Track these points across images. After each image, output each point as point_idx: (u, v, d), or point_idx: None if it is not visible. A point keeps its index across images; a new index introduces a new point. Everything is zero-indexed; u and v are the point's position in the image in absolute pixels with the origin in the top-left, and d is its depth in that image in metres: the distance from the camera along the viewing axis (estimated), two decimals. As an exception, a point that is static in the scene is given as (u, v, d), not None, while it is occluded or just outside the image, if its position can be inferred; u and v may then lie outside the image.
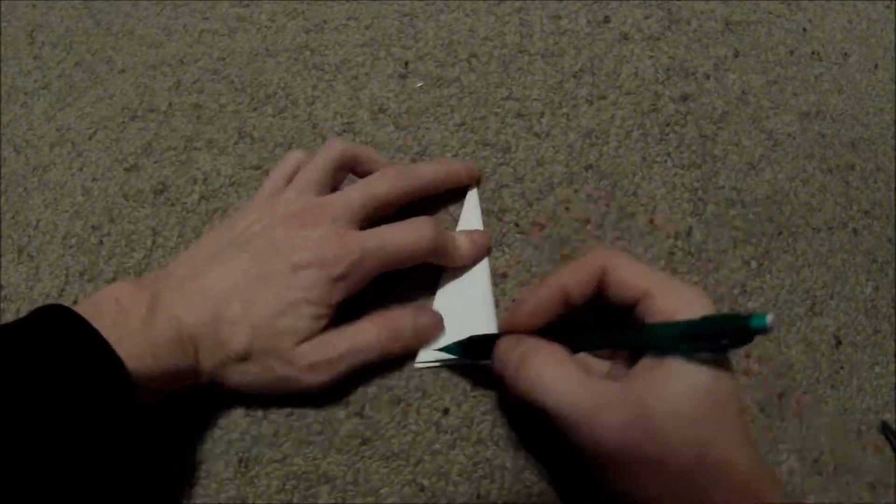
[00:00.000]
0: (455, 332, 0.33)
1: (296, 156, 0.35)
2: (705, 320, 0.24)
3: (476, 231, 0.36)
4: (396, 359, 0.33)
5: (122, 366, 0.25)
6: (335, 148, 0.34)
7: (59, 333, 0.25)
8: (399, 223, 0.32)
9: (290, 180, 0.34)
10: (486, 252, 0.36)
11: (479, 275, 0.35)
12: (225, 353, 0.29)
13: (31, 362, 0.23)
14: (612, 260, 0.27)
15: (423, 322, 0.33)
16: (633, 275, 0.27)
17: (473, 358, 0.32)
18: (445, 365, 0.33)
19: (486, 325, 0.33)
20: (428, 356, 0.33)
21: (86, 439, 0.24)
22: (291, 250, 0.30)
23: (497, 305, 0.35)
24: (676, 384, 0.24)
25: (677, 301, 0.25)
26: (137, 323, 0.27)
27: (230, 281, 0.30)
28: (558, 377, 0.26)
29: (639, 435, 0.24)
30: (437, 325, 0.33)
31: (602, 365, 0.30)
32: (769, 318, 0.21)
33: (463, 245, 0.35)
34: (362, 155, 0.35)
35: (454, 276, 0.35)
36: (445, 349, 0.32)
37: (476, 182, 0.38)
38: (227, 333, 0.29)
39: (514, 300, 0.35)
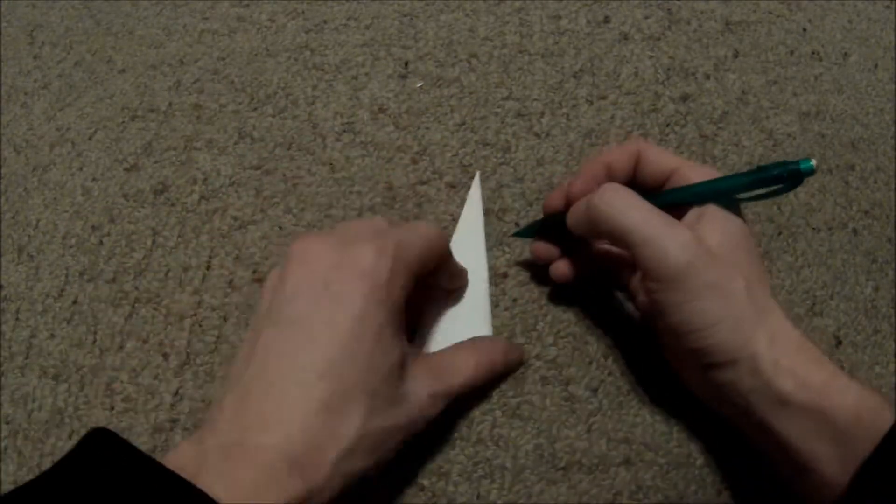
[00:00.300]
0: (451, 333, 0.33)
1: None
2: (762, 168, 0.28)
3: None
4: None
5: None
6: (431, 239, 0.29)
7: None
8: (409, 223, 0.30)
9: None
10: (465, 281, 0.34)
11: (477, 277, 0.35)
12: (341, 446, 0.23)
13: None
14: (646, 145, 0.31)
15: (513, 359, 0.33)
16: (663, 156, 0.31)
17: (545, 236, 0.35)
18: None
19: (480, 325, 0.34)
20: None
21: None
22: (321, 283, 0.25)
23: (496, 305, 0.35)
24: (724, 225, 0.28)
25: (703, 173, 0.29)
26: (214, 479, 0.21)
27: (290, 363, 0.24)
28: (630, 203, 0.28)
29: (702, 258, 0.26)
30: (521, 360, 0.34)
31: None
32: (814, 161, 0.26)
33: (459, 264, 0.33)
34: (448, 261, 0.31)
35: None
36: (520, 233, 0.36)
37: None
38: (332, 422, 0.23)
39: (514, 300, 0.35)
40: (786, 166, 0.27)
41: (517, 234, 0.37)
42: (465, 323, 0.33)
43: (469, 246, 0.36)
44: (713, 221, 0.28)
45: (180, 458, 0.22)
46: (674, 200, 0.30)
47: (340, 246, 0.26)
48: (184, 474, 0.21)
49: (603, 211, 0.28)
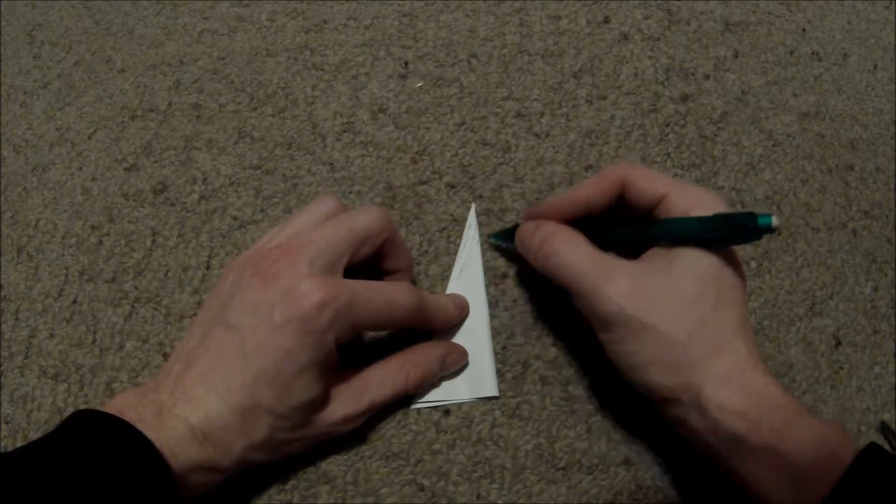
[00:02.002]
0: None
1: (325, 206, 0.31)
2: (717, 217, 0.26)
3: (455, 295, 0.35)
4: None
5: (165, 465, 0.25)
6: (328, 201, 0.31)
7: (107, 441, 0.25)
8: (385, 283, 0.30)
9: None
10: (466, 312, 0.35)
11: (475, 279, 0.35)
12: (247, 443, 0.27)
13: (85, 472, 0.23)
14: (631, 171, 0.29)
15: (450, 361, 0.33)
16: (651, 182, 0.29)
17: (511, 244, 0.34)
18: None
19: (482, 356, 0.34)
20: (446, 395, 0.33)
21: None
22: (270, 309, 0.27)
23: (496, 305, 0.35)
24: (682, 265, 0.27)
25: (692, 201, 0.28)
26: (147, 429, 0.25)
27: (225, 364, 0.27)
28: (573, 253, 0.29)
29: (638, 303, 0.26)
30: (463, 359, 0.33)
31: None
32: (774, 219, 0.24)
33: (448, 306, 0.34)
34: (399, 242, 0.32)
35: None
36: (493, 236, 0.36)
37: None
38: (243, 423, 0.27)
39: (513, 301, 0.35)
40: (745, 220, 0.25)
41: (494, 238, 0.36)
42: (465, 328, 0.34)
43: (468, 281, 0.35)
44: (676, 258, 0.27)
45: (123, 403, 0.26)
46: (635, 238, 0.29)
47: (297, 277, 0.27)
48: (125, 416, 0.25)
49: (546, 265, 0.29)
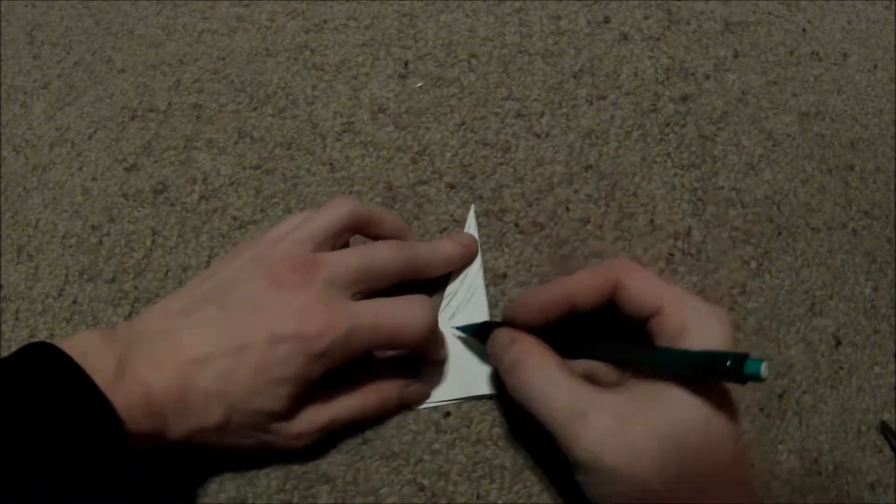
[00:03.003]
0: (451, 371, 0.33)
1: (300, 217, 0.31)
2: (703, 354, 0.24)
3: (460, 233, 0.35)
4: (396, 359, 0.33)
5: (113, 411, 0.24)
6: (344, 207, 0.31)
7: (50, 375, 0.24)
8: (395, 298, 0.29)
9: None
10: (473, 256, 0.35)
11: (474, 277, 0.35)
12: (198, 424, 0.27)
13: (21, 402, 0.23)
14: (628, 273, 0.27)
15: (409, 393, 0.32)
16: (647, 291, 0.26)
17: (482, 339, 0.31)
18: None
19: (478, 361, 0.33)
20: (439, 396, 0.33)
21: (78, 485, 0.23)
22: (273, 317, 0.27)
23: (496, 306, 0.35)
24: (667, 405, 0.24)
25: (690, 319, 0.25)
26: (102, 383, 0.24)
27: (204, 347, 0.27)
28: (545, 385, 0.26)
29: (615, 448, 0.24)
30: (422, 394, 0.32)
31: (598, 365, 0.30)
32: (763, 368, 0.21)
33: (448, 248, 0.34)
34: (374, 216, 0.32)
35: (451, 313, 0.35)
36: (460, 328, 0.33)
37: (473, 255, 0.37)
38: (200, 406, 0.26)
39: (511, 301, 0.35)
40: (733, 364, 0.22)
41: (462, 329, 0.34)
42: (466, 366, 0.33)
43: (468, 282, 0.35)
44: (660, 401, 0.24)
45: (88, 345, 0.25)
46: (615, 360, 0.28)
47: (308, 296, 0.27)
48: (83, 361, 0.24)
49: (517, 392, 0.27)
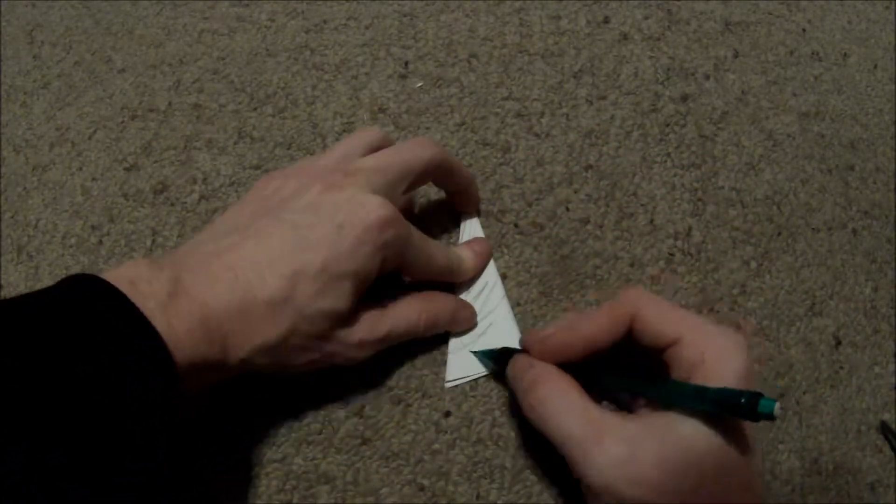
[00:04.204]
0: (480, 340, 0.34)
1: (373, 134, 0.32)
2: (718, 392, 0.23)
3: (475, 240, 0.36)
4: (396, 359, 0.33)
5: (165, 348, 0.22)
6: (372, 132, 0.32)
7: (105, 316, 0.22)
8: (433, 241, 0.32)
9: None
10: (489, 258, 0.36)
11: (493, 287, 0.35)
12: (261, 339, 0.26)
13: (69, 336, 0.21)
14: (643, 306, 0.27)
15: (462, 315, 0.33)
16: (663, 322, 0.26)
17: (501, 365, 0.32)
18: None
19: (509, 335, 0.34)
20: (457, 372, 0.33)
21: (129, 427, 0.21)
22: (334, 210, 0.27)
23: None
24: (679, 435, 0.24)
25: (705, 353, 0.25)
26: (157, 309, 0.23)
27: (265, 254, 0.26)
28: (561, 409, 0.26)
29: (628, 474, 0.24)
30: (472, 320, 0.34)
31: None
32: (776, 408, 0.22)
33: (466, 256, 0.34)
34: (454, 165, 0.33)
35: (469, 292, 0.35)
36: (477, 354, 0.33)
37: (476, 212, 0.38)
38: (263, 317, 0.26)
39: (515, 301, 0.35)
40: (747, 403, 0.22)
41: (480, 354, 0.34)
42: (494, 335, 0.34)
43: (485, 298, 0.36)
44: (676, 426, 0.24)
45: (135, 272, 0.24)
46: (630, 391, 0.28)
47: (364, 192, 0.28)
48: (132, 289, 0.23)
49: (532, 415, 0.27)
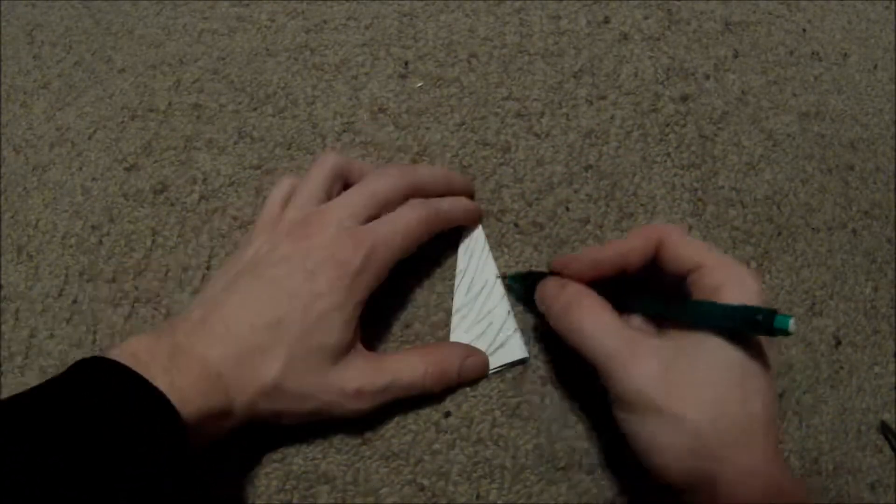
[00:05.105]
0: (480, 339, 0.34)
1: (287, 181, 0.34)
2: (737, 308, 0.25)
3: (462, 199, 0.36)
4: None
5: (168, 403, 0.24)
6: (328, 162, 0.33)
7: (111, 386, 0.24)
8: (394, 212, 0.32)
9: (285, 205, 0.33)
10: (478, 213, 0.37)
11: (493, 286, 0.35)
12: (259, 383, 0.28)
13: (90, 416, 0.23)
14: (668, 234, 0.29)
15: (470, 364, 0.33)
16: (688, 249, 0.28)
17: (528, 290, 0.32)
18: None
19: (509, 335, 0.34)
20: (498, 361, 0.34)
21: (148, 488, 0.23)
22: (304, 259, 0.29)
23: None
24: (708, 351, 0.26)
25: (725, 278, 0.27)
26: (159, 372, 0.25)
27: (251, 307, 0.29)
28: (597, 327, 0.28)
29: (663, 387, 0.26)
30: (483, 368, 0.33)
31: (639, 320, 0.31)
32: (791, 323, 0.23)
33: (456, 205, 0.35)
34: (355, 166, 0.35)
35: (469, 292, 0.35)
36: (506, 279, 0.35)
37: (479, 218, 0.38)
38: (258, 362, 0.28)
39: (515, 301, 0.35)
40: (763, 319, 0.24)
41: (511, 279, 0.35)
42: (491, 329, 0.34)
43: (477, 255, 0.36)
44: (702, 346, 0.26)
45: (136, 346, 0.26)
46: (658, 314, 0.29)
47: (329, 233, 0.30)
48: (135, 360, 0.25)
49: (568, 335, 0.28)
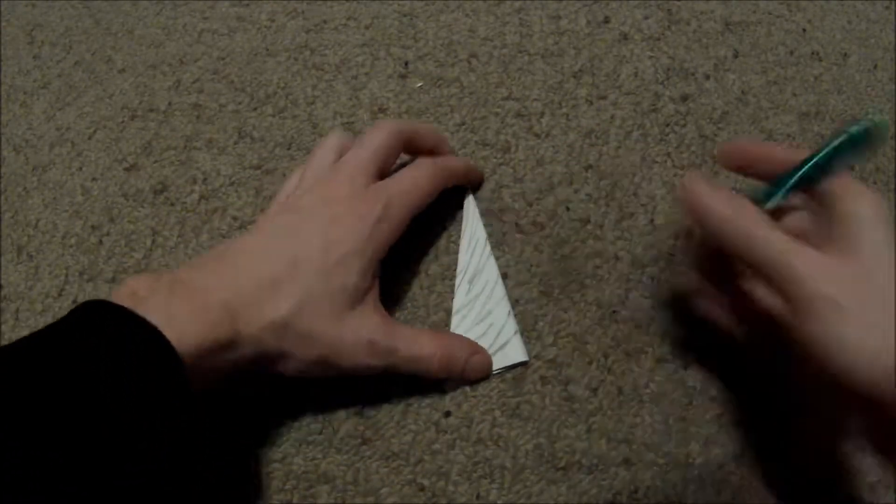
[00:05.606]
0: (480, 340, 0.34)
1: (335, 140, 0.34)
2: (854, 125, 0.28)
3: (465, 158, 0.38)
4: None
5: (168, 345, 0.23)
6: (384, 131, 0.33)
7: (110, 327, 0.23)
8: (404, 169, 0.33)
9: (337, 158, 0.33)
10: (480, 174, 0.38)
11: (493, 286, 0.35)
12: (269, 317, 0.27)
13: (79, 360, 0.22)
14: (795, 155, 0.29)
15: (476, 361, 0.33)
16: (786, 154, 0.29)
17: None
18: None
19: (509, 335, 0.34)
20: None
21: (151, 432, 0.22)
22: (324, 207, 0.30)
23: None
24: (867, 251, 0.25)
25: (843, 191, 0.27)
26: (158, 305, 0.24)
27: (269, 245, 0.29)
28: (762, 229, 0.26)
29: (842, 288, 0.25)
30: (487, 368, 0.33)
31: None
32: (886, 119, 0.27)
33: (460, 162, 0.37)
34: (416, 132, 0.35)
35: (469, 292, 0.35)
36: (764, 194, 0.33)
37: (476, 186, 0.39)
38: (270, 295, 0.27)
39: (515, 300, 0.35)
40: (860, 128, 0.27)
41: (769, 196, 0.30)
42: (491, 323, 0.34)
43: (478, 253, 0.36)
44: (858, 244, 0.25)
45: (135, 284, 0.26)
46: (795, 184, 0.29)
47: (344, 191, 0.31)
48: (133, 298, 0.24)
49: (733, 233, 0.27)
